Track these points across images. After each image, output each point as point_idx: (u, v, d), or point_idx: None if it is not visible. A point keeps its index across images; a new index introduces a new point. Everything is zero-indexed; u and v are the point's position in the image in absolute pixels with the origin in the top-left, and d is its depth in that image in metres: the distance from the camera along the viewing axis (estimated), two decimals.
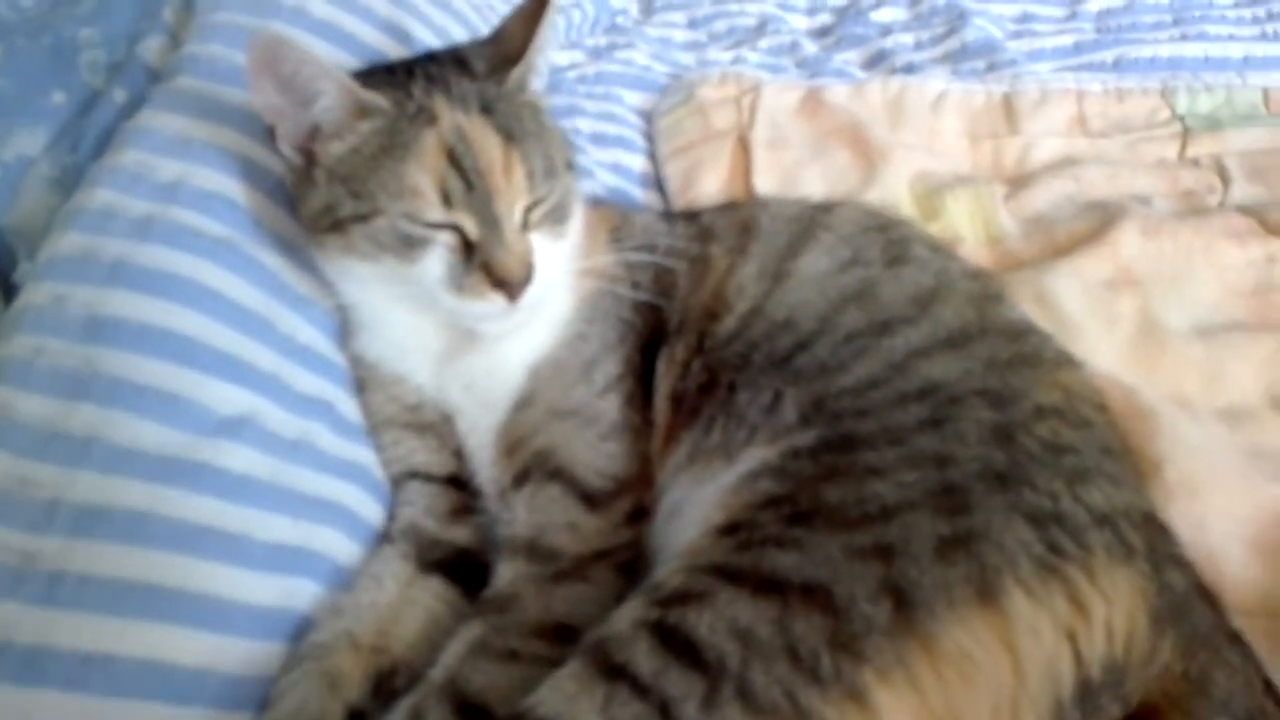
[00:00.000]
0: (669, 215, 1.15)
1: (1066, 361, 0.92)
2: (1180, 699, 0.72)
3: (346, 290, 0.96)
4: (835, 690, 0.67)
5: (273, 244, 0.97)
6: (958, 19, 1.74)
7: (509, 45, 0.96)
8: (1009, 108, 1.48)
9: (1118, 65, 1.61)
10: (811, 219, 1.04)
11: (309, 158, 0.91)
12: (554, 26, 0.96)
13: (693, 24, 1.86)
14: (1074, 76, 1.53)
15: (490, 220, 0.87)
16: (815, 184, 1.34)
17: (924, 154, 1.40)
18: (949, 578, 0.71)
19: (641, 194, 1.40)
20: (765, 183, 1.35)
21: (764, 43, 1.75)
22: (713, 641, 0.69)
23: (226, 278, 0.91)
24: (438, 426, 0.98)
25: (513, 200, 0.88)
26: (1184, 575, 0.78)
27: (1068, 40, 1.69)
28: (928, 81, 1.53)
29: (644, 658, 0.69)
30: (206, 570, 0.78)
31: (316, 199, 0.90)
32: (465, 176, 0.86)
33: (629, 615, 0.74)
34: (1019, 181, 1.36)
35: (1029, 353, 0.90)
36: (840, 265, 0.97)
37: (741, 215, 1.07)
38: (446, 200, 0.86)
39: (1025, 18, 1.80)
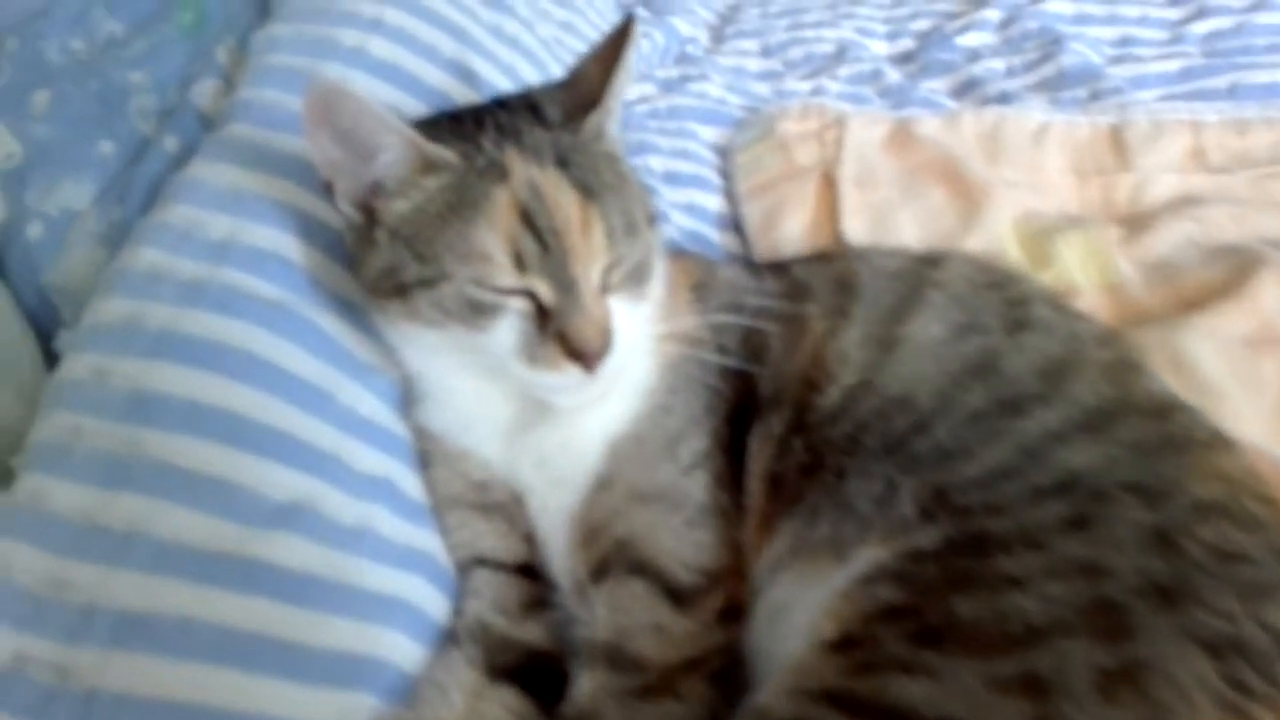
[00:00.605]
0: (755, 268, 1.05)
1: (1221, 443, 0.80)
2: None
3: (410, 358, 0.88)
4: None
5: (331, 306, 0.90)
6: (1052, 44, 1.62)
7: (585, 88, 0.88)
8: (1117, 140, 1.36)
9: (1234, 92, 1.48)
10: (918, 276, 0.94)
11: (370, 216, 0.83)
12: (631, 69, 0.87)
13: (766, 52, 1.76)
14: (1187, 106, 1.41)
15: (566, 284, 0.78)
16: (909, 226, 1.24)
17: (1027, 192, 1.29)
18: None
19: (718, 236, 1.30)
20: (854, 225, 1.24)
21: (844, 71, 1.64)
22: None
23: (281, 346, 0.84)
24: (507, 507, 0.89)
25: (590, 262, 0.80)
26: None
27: (1173, 66, 1.56)
28: (1026, 112, 1.41)
29: None
30: (257, 687, 0.70)
31: (378, 261, 0.82)
32: (540, 237, 0.78)
33: None
34: (1135, 222, 1.24)
35: (1178, 434, 0.79)
36: (956, 332, 0.87)
37: (838, 269, 0.97)
38: (519, 264, 0.78)
39: (1125, 41, 1.67)
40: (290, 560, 0.76)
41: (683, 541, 0.84)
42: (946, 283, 0.92)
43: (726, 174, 1.38)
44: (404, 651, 0.79)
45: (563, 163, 0.81)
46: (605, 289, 0.81)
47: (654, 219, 0.88)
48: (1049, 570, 0.68)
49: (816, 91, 1.56)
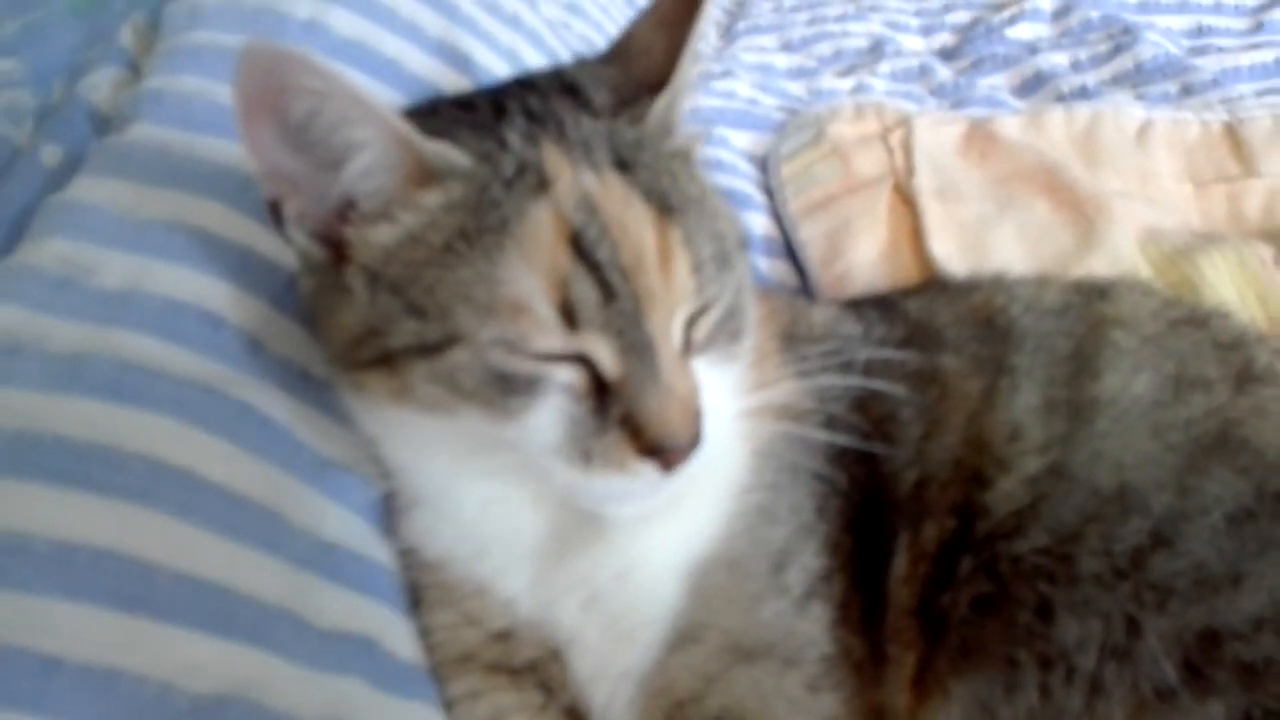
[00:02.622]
0: (855, 307, 0.79)
1: None
2: None
3: (397, 453, 0.61)
4: None
5: (280, 379, 0.63)
6: (1122, 34, 1.41)
7: (643, 63, 0.62)
8: (1235, 141, 1.13)
9: None
10: (1091, 311, 0.69)
11: (339, 250, 0.56)
12: (707, 35, 0.61)
13: (788, 47, 1.53)
14: None
15: (639, 346, 0.52)
16: (1011, 247, 1.00)
17: (1142, 204, 1.05)
18: None
19: (766, 264, 1.04)
20: (943, 246, 1.00)
21: (884, 67, 1.41)
22: None
23: (205, 448, 0.56)
24: (542, 669, 0.62)
25: (672, 310, 0.53)
26: None
27: (1268, 56, 1.34)
28: (1122, 109, 1.18)
29: None
30: None
31: (352, 316, 0.55)
32: (601, 277, 0.52)
33: None
34: (1276, 235, 1.01)
35: None
36: (1169, 387, 0.62)
37: (974, 304, 0.72)
38: (569, 317, 0.51)
39: (1200, 31, 1.46)
40: None
41: (805, 713, 0.57)
42: (1131, 320, 0.67)
43: (770, 189, 1.13)
44: None
45: (624, 165, 0.55)
46: (689, 348, 0.55)
47: (744, 244, 0.62)
48: None
49: (859, 89, 1.32)
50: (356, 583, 0.60)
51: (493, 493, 0.60)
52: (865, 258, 1.01)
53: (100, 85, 0.77)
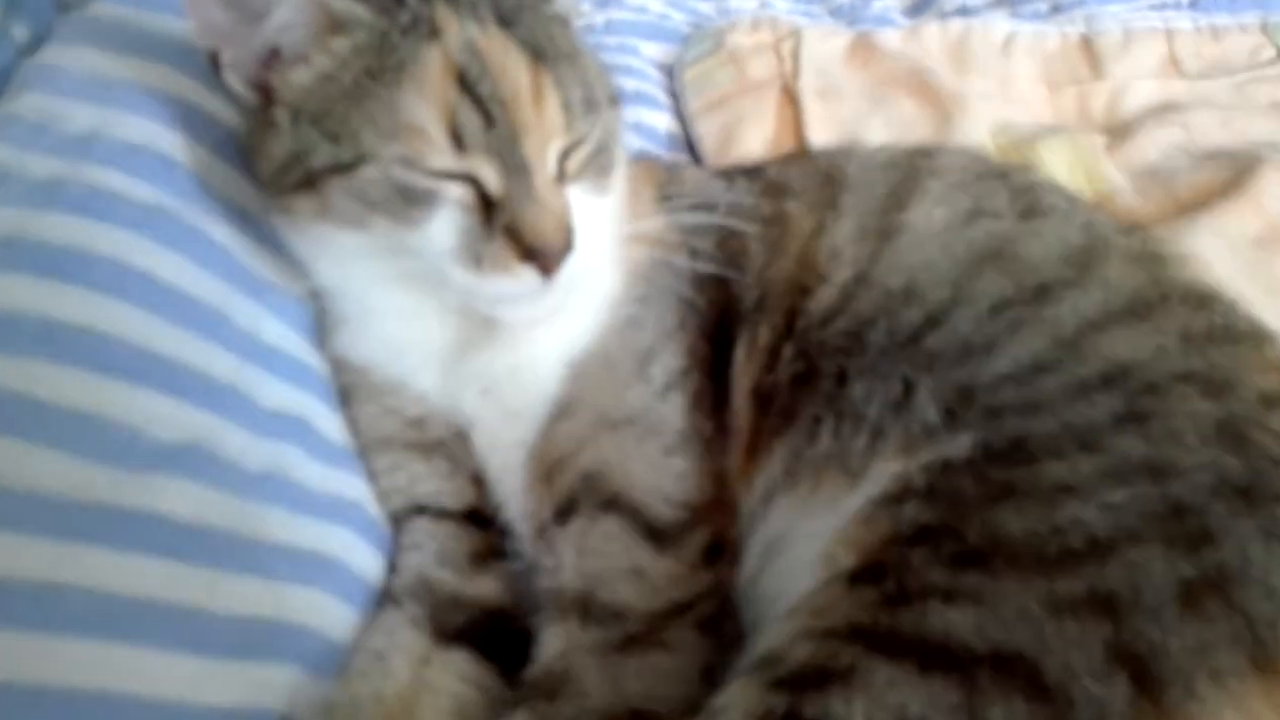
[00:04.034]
0: (724, 171, 0.92)
1: (1265, 334, 0.71)
2: None
3: (323, 270, 0.73)
4: None
5: (223, 213, 0.74)
6: None
7: None
8: (1089, 50, 1.28)
9: (1196, 4, 1.41)
10: (912, 164, 0.82)
11: (266, 93, 0.68)
12: None
13: None
14: (1159, 16, 1.33)
15: (517, 167, 0.65)
16: (880, 137, 1.13)
17: (1000, 103, 1.19)
18: (1206, 637, 0.51)
19: (669, 156, 1.17)
20: (820, 137, 1.14)
21: None
22: None
23: (161, 256, 0.68)
24: (449, 445, 0.75)
25: (545, 140, 0.66)
26: None
27: None
28: (992, 23, 1.32)
29: None
30: (144, 662, 0.55)
31: (279, 147, 0.67)
32: (482, 108, 0.64)
33: (741, 703, 0.53)
34: (1117, 131, 1.16)
35: (1223, 324, 0.69)
36: (963, 217, 0.76)
37: (819, 165, 0.86)
38: (458, 140, 0.64)
39: None
40: (180, 510, 0.60)
41: (660, 472, 0.71)
42: (944, 170, 0.81)
43: (674, 92, 1.26)
44: (329, 615, 0.64)
45: (506, 21, 0.67)
46: (563, 176, 0.68)
47: (615, 99, 0.75)
48: (1107, 473, 0.58)
49: (764, 8, 1.44)
50: (292, 378, 0.73)
51: (406, 305, 0.73)
52: (753, 149, 1.14)
53: None
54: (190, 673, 0.56)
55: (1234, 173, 1.02)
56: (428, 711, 0.64)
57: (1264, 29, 1.28)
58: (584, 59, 0.72)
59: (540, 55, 0.67)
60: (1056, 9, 1.41)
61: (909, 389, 0.66)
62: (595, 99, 0.70)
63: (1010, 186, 0.80)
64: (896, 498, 0.61)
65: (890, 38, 1.29)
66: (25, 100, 0.73)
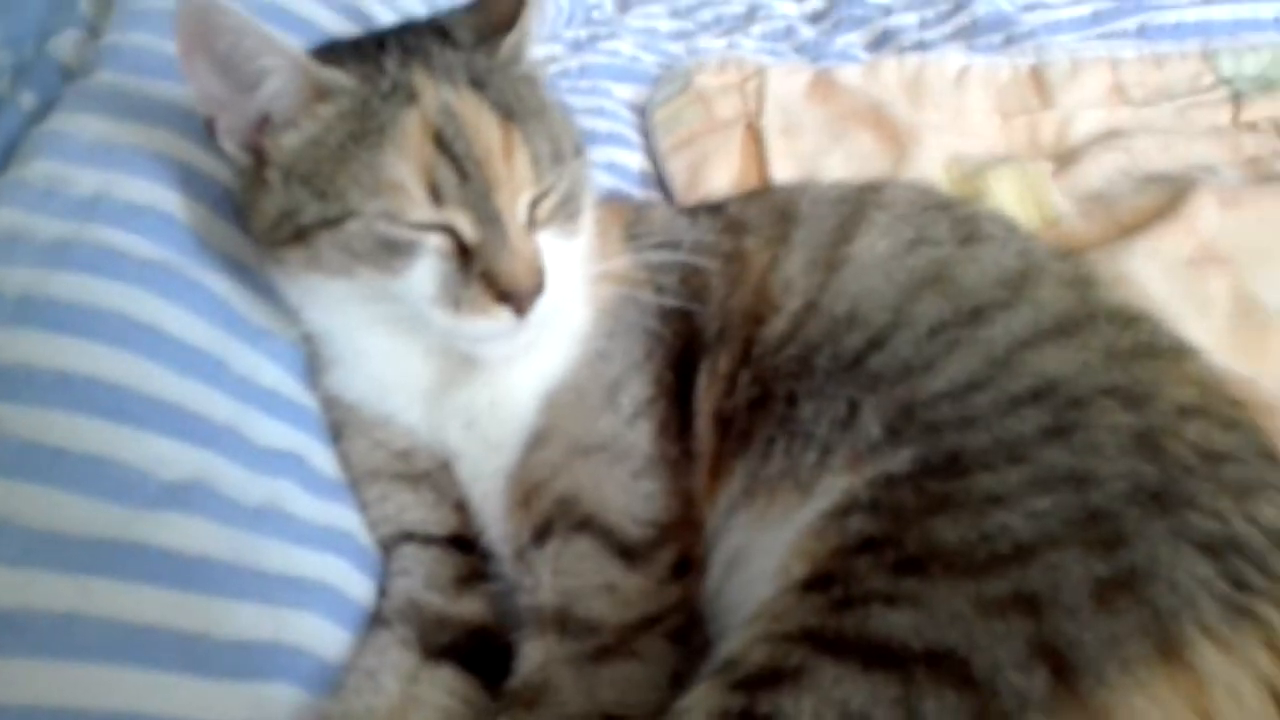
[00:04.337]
0: (689, 210, 0.98)
1: (1188, 350, 0.77)
2: None
3: (314, 316, 0.79)
4: None
5: (221, 266, 0.80)
6: None
7: (497, 10, 0.80)
8: (1038, 80, 1.34)
9: (1143, 33, 1.48)
10: (860, 199, 0.88)
11: (259, 155, 0.74)
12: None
13: (676, 14, 1.71)
14: (1104, 45, 1.40)
15: (491, 217, 0.70)
16: (839, 171, 1.19)
17: (953, 134, 1.26)
18: (1117, 630, 0.56)
19: (640, 193, 1.23)
20: (783, 172, 1.20)
21: (756, 29, 1.60)
22: None
23: (163, 308, 0.74)
24: (434, 475, 0.81)
25: (516, 192, 0.72)
26: None
27: (1085, 10, 1.55)
28: (946, 57, 1.39)
29: None
30: (154, 685, 0.60)
31: (272, 204, 0.73)
32: (458, 165, 0.70)
33: (703, 704, 0.58)
34: (1064, 157, 1.22)
35: (1147, 341, 0.75)
36: (905, 246, 0.82)
37: (776, 201, 0.92)
38: (435, 195, 0.70)
39: None
40: (184, 543, 0.66)
41: (630, 494, 0.76)
42: (890, 204, 0.87)
43: (646, 131, 1.32)
44: (323, 637, 0.70)
45: (478, 84, 0.73)
46: (533, 223, 0.74)
47: (581, 149, 0.81)
48: (1033, 483, 0.63)
49: (730, 48, 1.51)
50: (288, 418, 0.79)
51: (391, 347, 0.78)
52: (720, 184, 1.20)
53: (65, 44, 0.94)
54: (195, 694, 0.61)
55: (1171, 196, 1.08)
56: None
57: (1204, 56, 1.34)
58: (551, 114, 0.78)
59: (510, 114, 0.73)
60: (1009, 40, 1.48)
61: (854, 408, 0.72)
62: (561, 151, 0.76)
63: (952, 216, 0.86)
64: (844, 510, 0.66)
65: (850, 74, 1.36)
66: (34, 166, 0.78)
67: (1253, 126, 1.24)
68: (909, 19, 1.60)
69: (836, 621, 0.60)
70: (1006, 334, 0.73)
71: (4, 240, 0.73)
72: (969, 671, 0.56)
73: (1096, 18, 1.54)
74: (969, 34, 1.53)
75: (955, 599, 0.58)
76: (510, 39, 0.77)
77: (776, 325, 0.79)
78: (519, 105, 0.74)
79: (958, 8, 1.59)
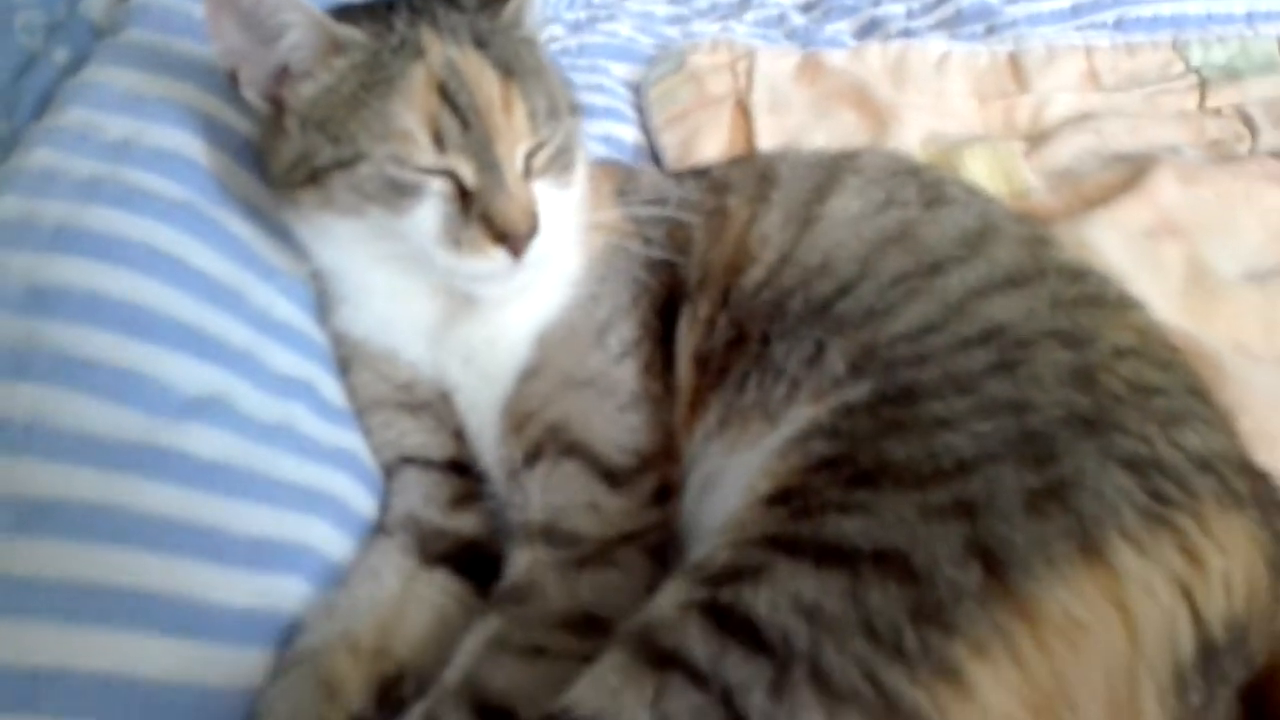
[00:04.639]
0: (676, 173, 1.05)
1: (1131, 303, 0.83)
2: None
3: (324, 254, 0.85)
4: (923, 668, 0.58)
5: (240, 209, 0.86)
6: None
7: None
8: (1016, 67, 1.41)
9: (1120, 25, 1.55)
10: (836, 164, 0.95)
11: (278, 105, 0.81)
12: None
13: (673, 1, 1.78)
14: (1080, 35, 1.47)
15: (490, 165, 0.77)
16: (822, 146, 1.25)
17: (932, 115, 1.33)
18: (1045, 533, 0.62)
19: (635, 165, 1.30)
20: (769, 146, 1.26)
21: (750, 16, 1.68)
22: (775, 620, 0.60)
23: (188, 243, 0.80)
24: (434, 405, 0.87)
25: (514, 142, 0.78)
26: None
27: (1065, 3, 1.63)
28: (929, 43, 1.46)
29: (698, 643, 0.60)
30: (173, 568, 0.66)
31: (289, 149, 0.80)
32: (460, 115, 0.76)
33: (673, 598, 0.64)
34: (1037, 138, 1.29)
35: (1093, 293, 0.82)
36: (875, 207, 0.88)
37: (758, 165, 0.98)
38: (439, 142, 0.76)
39: None
40: (204, 450, 0.72)
41: (615, 425, 0.83)
42: (863, 169, 0.93)
43: (641, 108, 1.39)
44: (330, 541, 0.76)
45: (481, 43, 0.80)
46: (529, 172, 0.80)
47: (576, 108, 0.88)
48: (977, 410, 0.69)
49: (723, 32, 1.58)
50: (300, 349, 0.85)
51: (396, 285, 0.85)
52: (709, 157, 1.27)
53: (95, 5, 1.01)
54: (212, 579, 0.68)
55: (1134, 172, 1.15)
56: (414, 615, 0.76)
57: (1175, 46, 1.41)
58: (548, 74, 0.84)
59: (509, 71, 0.79)
60: (991, 30, 1.55)
61: (820, 348, 0.78)
62: (557, 108, 0.82)
63: (920, 181, 0.93)
64: (806, 436, 0.72)
65: (836, 57, 1.43)
66: (69, 113, 0.85)
67: (1217, 112, 1.31)
68: (896, 9, 1.67)
69: (794, 528, 0.66)
70: (961, 284, 0.79)
71: (42, 177, 0.79)
72: (910, 567, 0.61)
73: (1075, 10, 1.61)
74: (953, 24, 1.60)
75: (901, 507, 0.64)
76: (512, 4, 0.84)
77: (753, 275, 0.86)
78: (518, 64, 0.80)
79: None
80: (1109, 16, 1.57)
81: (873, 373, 0.75)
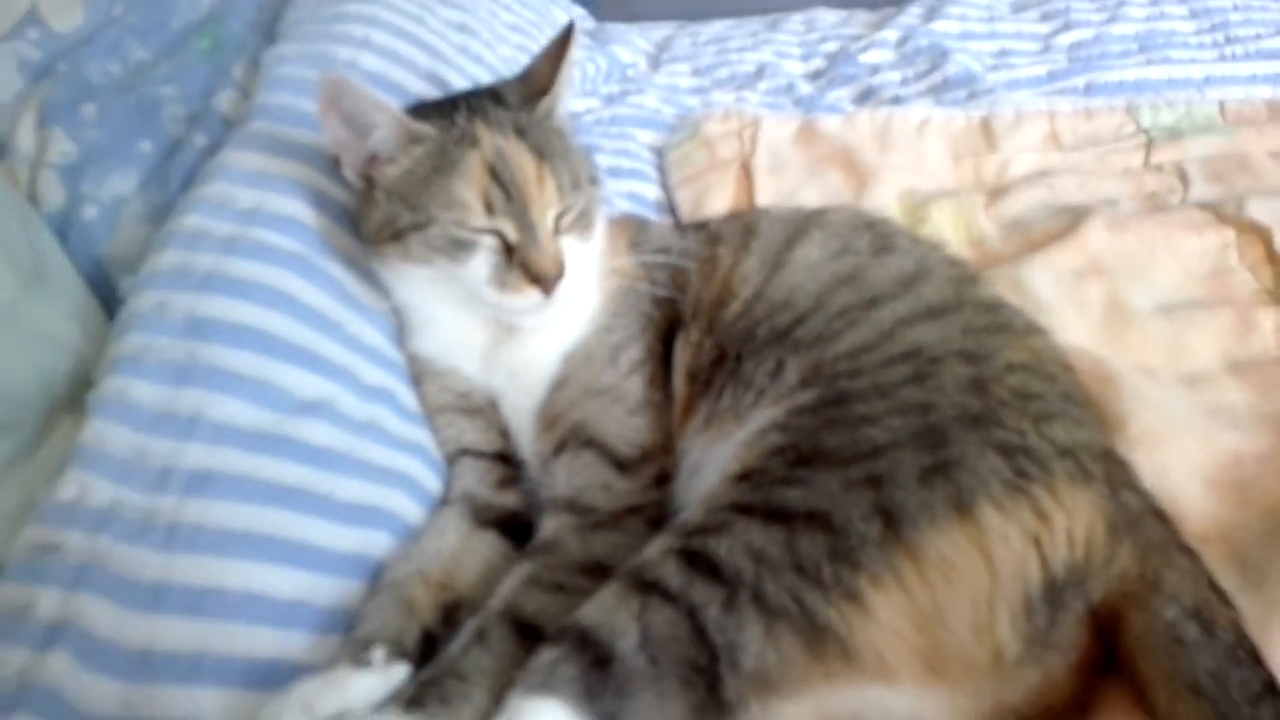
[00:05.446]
0: (681, 226, 1.29)
1: (1035, 330, 1.04)
2: (1137, 596, 0.83)
3: (402, 293, 1.10)
4: (835, 593, 0.78)
5: (338, 259, 1.12)
6: (940, 56, 1.90)
7: (537, 81, 1.12)
8: (987, 129, 1.63)
9: (1088, 89, 1.76)
10: (806, 219, 1.18)
11: (369, 182, 1.06)
12: (574, 63, 1.11)
13: (697, 72, 2.03)
14: (1046, 100, 1.68)
15: (527, 225, 1.01)
16: (812, 202, 1.47)
17: (910, 174, 1.54)
18: (930, 499, 0.82)
19: (656, 219, 1.54)
20: (766, 202, 1.49)
21: (763, 85, 1.91)
22: (731, 560, 0.80)
23: (302, 285, 1.06)
24: (485, 410, 1.11)
25: (545, 208, 1.03)
26: (1139, 498, 0.89)
27: (1042, 70, 1.84)
28: (912, 110, 1.68)
29: (673, 575, 0.81)
30: (298, 522, 0.91)
31: (377, 215, 1.05)
32: (505, 189, 1.01)
33: (658, 546, 0.86)
34: (999, 192, 1.49)
35: (1002, 322, 1.03)
36: (832, 254, 1.11)
37: (744, 221, 1.22)
38: (489, 209, 1.01)
39: (1003, 53, 1.95)
40: (316, 439, 0.97)
41: (624, 425, 1.06)
42: (827, 223, 1.16)
43: (661, 169, 1.63)
44: (407, 508, 1.01)
45: (521, 133, 1.05)
46: (558, 230, 1.05)
47: (595, 180, 1.12)
48: (892, 410, 0.90)
49: (738, 102, 1.82)
50: (384, 365, 1.10)
51: (456, 317, 1.09)
52: (717, 211, 1.50)
53: (225, 102, 1.29)
54: (323, 529, 0.93)
55: (1072, 221, 1.36)
56: (469, 562, 0.99)
57: (1128, 109, 1.62)
58: (573, 155, 1.09)
59: (542, 155, 1.04)
60: (972, 95, 1.77)
61: (780, 365, 1.00)
62: (579, 181, 1.07)
63: (874, 233, 1.15)
64: (765, 431, 0.94)
65: (831, 123, 1.66)
66: (210, 187, 1.12)
67: (1159, 168, 1.51)
68: (893, 76, 1.89)
69: (751, 496, 0.87)
70: (892, 315, 1.00)
71: (193, 235, 1.06)
72: (831, 523, 0.82)
73: (1051, 76, 1.82)
74: (940, 90, 1.82)
75: (829, 481, 0.85)
76: (545, 102, 1.09)
77: (734, 308, 1.09)
78: (548, 148, 1.05)
79: (934, 67, 1.88)
80: (1080, 81, 1.78)
81: (818, 384, 0.97)
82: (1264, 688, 0.77)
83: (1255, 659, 0.79)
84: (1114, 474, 0.90)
